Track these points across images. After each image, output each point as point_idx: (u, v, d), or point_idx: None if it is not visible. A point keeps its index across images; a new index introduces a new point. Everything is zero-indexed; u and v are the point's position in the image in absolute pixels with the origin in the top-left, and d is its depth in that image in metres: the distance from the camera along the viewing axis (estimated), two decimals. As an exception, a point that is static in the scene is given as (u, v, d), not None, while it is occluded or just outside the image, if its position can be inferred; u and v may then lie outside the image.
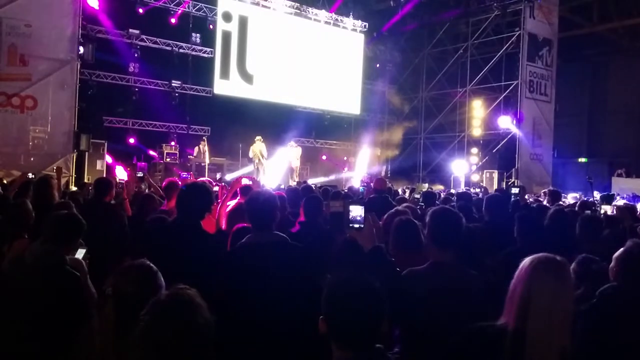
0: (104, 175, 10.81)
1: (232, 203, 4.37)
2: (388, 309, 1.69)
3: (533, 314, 1.82)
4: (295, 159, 15.35)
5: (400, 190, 11.96)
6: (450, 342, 2.07)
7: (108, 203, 4.97)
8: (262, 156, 14.43)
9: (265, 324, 2.52)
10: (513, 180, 17.05)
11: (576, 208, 5.69)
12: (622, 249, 2.70)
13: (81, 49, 12.69)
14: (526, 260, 1.94)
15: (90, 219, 3.39)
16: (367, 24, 18.82)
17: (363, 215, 2.22)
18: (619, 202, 10.45)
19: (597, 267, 2.98)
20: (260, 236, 2.73)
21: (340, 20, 18.19)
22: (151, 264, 2.10)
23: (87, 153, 12.65)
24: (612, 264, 2.75)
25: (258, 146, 14.43)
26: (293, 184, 12.61)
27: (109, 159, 13.59)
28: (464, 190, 11.57)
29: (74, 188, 10.80)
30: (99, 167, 13.33)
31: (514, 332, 1.86)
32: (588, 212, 5.35)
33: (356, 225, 2.22)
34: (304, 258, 2.75)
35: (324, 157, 16.14)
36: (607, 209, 5.16)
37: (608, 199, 6.25)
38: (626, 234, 4.16)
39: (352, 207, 2.23)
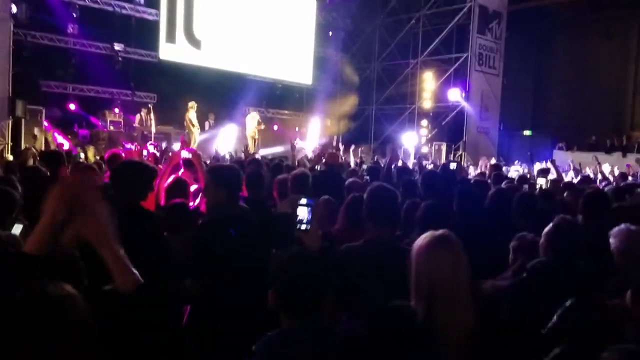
0: (54, 148, 10.23)
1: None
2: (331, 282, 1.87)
3: (438, 293, 1.93)
4: (254, 128, 15.05)
5: (352, 163, 12.03)
6: (368, 318, 2.13)
7: (63, 178, 4.74)
8: (192, 125, 13.83)
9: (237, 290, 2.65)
10: (460, 152, 17.49)
11: (515, 182, 5.91)
12: (550, 224, 2.79)
13: (14, 8, 11.85)
14: (419, 241, 2.04)
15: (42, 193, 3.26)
16: (319, -10, 18.47)
17: (310, 217, 2.28)
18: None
19: (531, 239, 3.09)
20: (233, 209, 3.02)
21: (293, -15, 17.77)
22: None
23: (23, 120, 11.97)
24: (541, 240, 2.84)
25: (189, 114, 13.83)
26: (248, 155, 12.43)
27: (47, 125, 12.92)
28: (414, 162, 11.76)
29: (10, 157, 10.27)
30: (36, 134, 12.66)
31: (422, 309, 1.95)
32: (526, 186, 5.57)
33: (303, 227, 2.28)
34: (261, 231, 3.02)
35: (275, 128, 15.97)
36: (542, 183, 5.36)
37: (544, 172, 6.50)
38: (558, 207, 4.32)
39: (299, 209, 2.29)
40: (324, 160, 7.61)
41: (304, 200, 2.28)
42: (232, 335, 2.51)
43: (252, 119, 15.15)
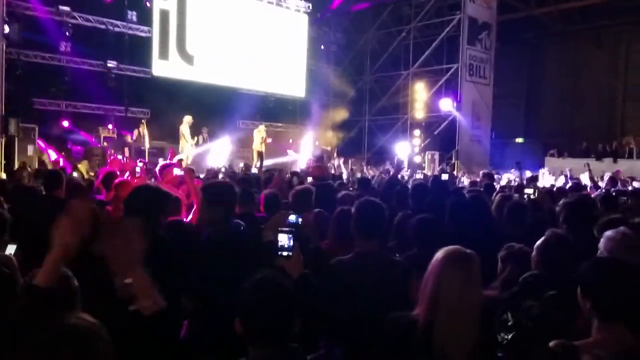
0: (54, 168, 10.22)
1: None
2: (299, 308, 1.76)
3: (442, 307, 1.89)
4: (260, 142, 15.00)
5: (345, 175, 12.09)
6: (366, 332, 2.14)
7: (59, 199, 4.75)
8: (185, 138, 13.78)
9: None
10: (453, 161, 17.59)
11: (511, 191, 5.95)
12: (541, 238, 2.81)
13: (6, 28, 11.90)
14: (438, 254, 2.01)
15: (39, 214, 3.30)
16: (310, 4, 18.62)
17: (291, 243, 2.23)
18: (548, 180, 11.03)
19: (518, 248, 3.13)
20: (227, 227, 2.98)
21: (284, 0, 17.92)
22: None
23: (16, 138, 11.96)
24: (533, 253, 2.86)
25: (182, 127, 13.78)
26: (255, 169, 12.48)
27: (41, 144, 12.93)
28: (404, 174, 11.82)
29: (3, 175, 10.25)
30: (30, 152, 12.64)
31: (424, 324, 1.92)
32: (516, 195, 5.62)
33: (285, 254, 2.23)
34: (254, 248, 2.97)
35: (269, 140, 16.00)
36: (530, 192, 5.40)
37: (533, 181, 6.55)
38: (546, 217, 4.37)
39: (280, 236, 2.24)
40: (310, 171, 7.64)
41: (292, 217, 2.26)
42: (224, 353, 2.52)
43: (259, 132, 15.10)
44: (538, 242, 2.78)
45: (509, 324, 2.17)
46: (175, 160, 10.52)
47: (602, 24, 20.45)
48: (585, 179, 9.06)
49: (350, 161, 16.24)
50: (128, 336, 1.54)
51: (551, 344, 1.75)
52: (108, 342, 1.29)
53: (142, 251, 1.67)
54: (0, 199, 4.15)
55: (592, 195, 5.48)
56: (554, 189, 6.66)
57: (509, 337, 2.10)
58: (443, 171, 11.97)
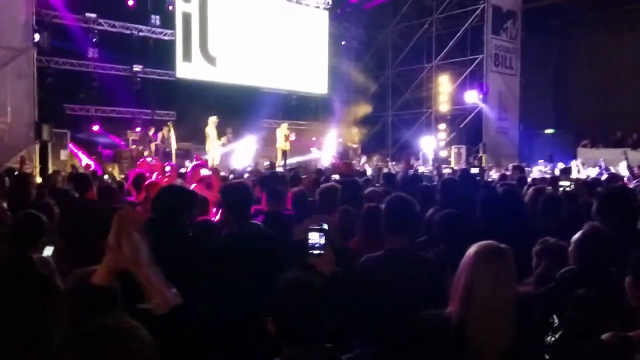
0: (82, 171, 10.51)
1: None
2: (332, 307, 1.79)
3: (475, 303, 1.85)
4: (283, 140, 15.05)
5: (370, 170, 12.03)
6: (398, 330, 2.11)
7: (92, 201, 4.89)
8: (212, 140, 13.92)
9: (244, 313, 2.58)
10: (480, 154, 17.31)
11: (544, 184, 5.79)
12: (579, 232, 2.73)
13: (36, 36, 12.24)
14: (470, 249, 1.97)
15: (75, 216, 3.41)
16: (330, 0, 18.57)
17: (323, 241, 2.21)
18: (582, 172, 10.74)
19: (553, 242, 3.05)
20: (241, 227, 2.96)
21: (303, -3, 17.93)
22: None
23: (49, 143, 12.31)
24: (570, 247, 2.78)
25: (208, 128, 13.96)
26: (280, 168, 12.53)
27: (72, 148, 13.26)
28: (429, 170, 11.69)
29: (38, 180, 10.55)
30: (63, 157, 13.02)
31: (457, 321, 1.89)
32: (549, 188, 5.50)
33: (316, 252, 2.21)
34: (277, 247, 3.02)
35: (292, 138, 16.07)
36: (566, 185, 5.25)
37: (565, 173, 6.38)
38: (582, 210, 4.25)
39: (311, 234, 2.22)
40: (338, 169, 7.62)
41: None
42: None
43: (281, 131, 15.19)
44: (575, 236, 2.69)
45: (555, 325, 2.11)
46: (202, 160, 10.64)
47: (634, 7, 19.77)
48: (623, 168, 8.76)
49: (375, 158, 16.15)
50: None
51: (604, 336, 1.71)
52: (148, 343, 1.28)
53: (148, 249, 1.67)
54: (49, 201, 4.28)
55: (631, 186, 5.31)
56: (589, 180, 6.46)
57: (557, 336, 2.04)
58: (472, 165, 11.77)
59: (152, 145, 14.02)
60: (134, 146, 14.26)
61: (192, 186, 4.59)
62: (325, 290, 1.79)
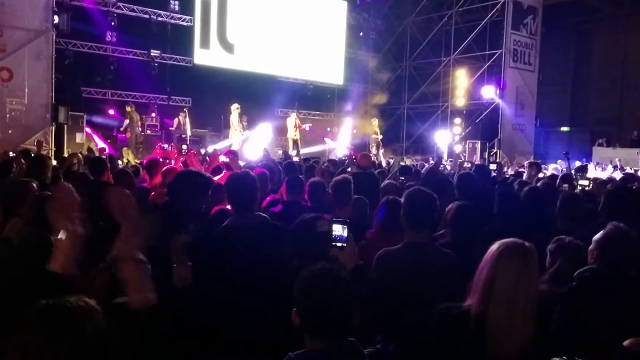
0: (97, 155, 10.60)
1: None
2: (357, 301, 1.73)
3: (495, 298, 1.85)
4: (294, 130, 15.01)
5: (384, 163, 11.99)
6: (416, 324, 2.11)
7: (106, 184, 4.94)
8: (234, 127, 13.92)
9: (245, 307, 2.49)
10: (495, 150, 17.18)
11: (557, 181, 5.75)
12: (602, 231, 2.70)
13: (56, 18, 12.30)
14: (494, 245, 1.96)
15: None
16: (350, -9, 18.47)
17: (346, 234, 2.21)
18: (598, 172, 10.63)
19: (569, 240, 3.02)
20: (242, 218, 2.74)
21: (323, -13, 17.82)
22: None
23: (65, 126, 12.39)
24: (591, 246, 2.75)
25: (231, 116, 13.93)
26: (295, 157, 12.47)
27: (88, 131, 13.36)
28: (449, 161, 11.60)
29: (54, 162, 10.64)
30: (78, 139, 13.09)
31: (476, 315, 1.89)
32: (566, 185, 5.44)
33: (339, 244, 2.22)
34: (286, 238, 2.74)
35: (307, 128, 16.06)
36: (585, 184, 5.20)
37: (582, 170, 6.30)
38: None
39: (334, 226, 2.22)
40: (355, 161, 7.59)
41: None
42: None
43: (291, 120, 15.19)
44: (597, 236, 2.67)
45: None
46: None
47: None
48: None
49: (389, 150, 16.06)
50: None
51: (626, 342, 1.69)
52: (103, 328, 1.27)
53: (141, 244, 1.67)
54: (68, 186, 4.30)
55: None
56: (606, 179, 6.38)
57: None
58: (491, 161, 11.66)
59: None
60: (149, 131, 14.34)
61: (218, 177, 4.59)
62: (351, 282, 1.76)
